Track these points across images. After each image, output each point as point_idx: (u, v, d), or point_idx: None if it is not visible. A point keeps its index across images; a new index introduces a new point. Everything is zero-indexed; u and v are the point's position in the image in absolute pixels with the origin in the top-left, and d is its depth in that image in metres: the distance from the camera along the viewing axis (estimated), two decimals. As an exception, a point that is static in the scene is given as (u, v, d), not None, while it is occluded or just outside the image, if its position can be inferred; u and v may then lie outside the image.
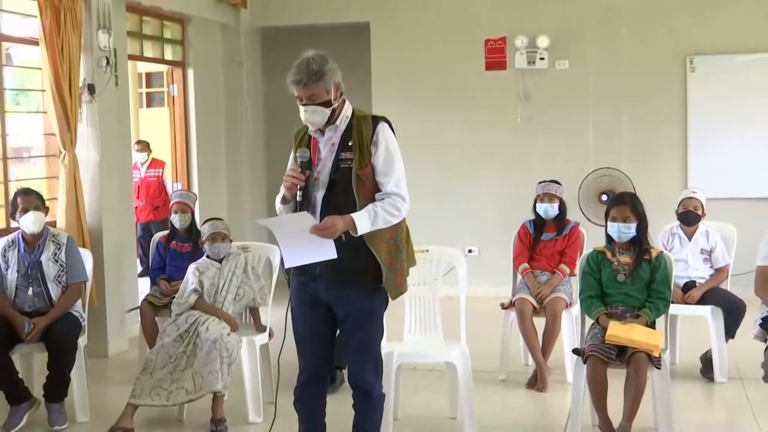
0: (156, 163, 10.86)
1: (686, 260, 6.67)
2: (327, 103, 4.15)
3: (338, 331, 4.41)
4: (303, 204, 4.16)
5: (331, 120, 4.22)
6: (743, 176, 9.05)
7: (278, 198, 4.32)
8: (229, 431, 5.63)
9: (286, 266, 4.18)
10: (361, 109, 4.34)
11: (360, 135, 4.21)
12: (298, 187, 4.14)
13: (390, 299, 4.41)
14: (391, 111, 9.75)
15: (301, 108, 4.17)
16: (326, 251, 4.09)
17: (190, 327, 5.72)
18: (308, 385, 4.39)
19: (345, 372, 5.38)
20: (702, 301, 6.55)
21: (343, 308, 4.26)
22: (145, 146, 10.84)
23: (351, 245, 4.11)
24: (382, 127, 4.26)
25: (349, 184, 4.16)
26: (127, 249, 8.17)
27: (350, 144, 4.20)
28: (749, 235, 6.29)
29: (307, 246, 4.08)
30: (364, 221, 4.10)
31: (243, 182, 10.27)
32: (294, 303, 4.30)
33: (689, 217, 6.74)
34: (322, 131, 4.25)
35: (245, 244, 6.31)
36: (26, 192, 5.98)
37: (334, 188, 4.18)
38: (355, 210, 4.12)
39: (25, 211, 5.83)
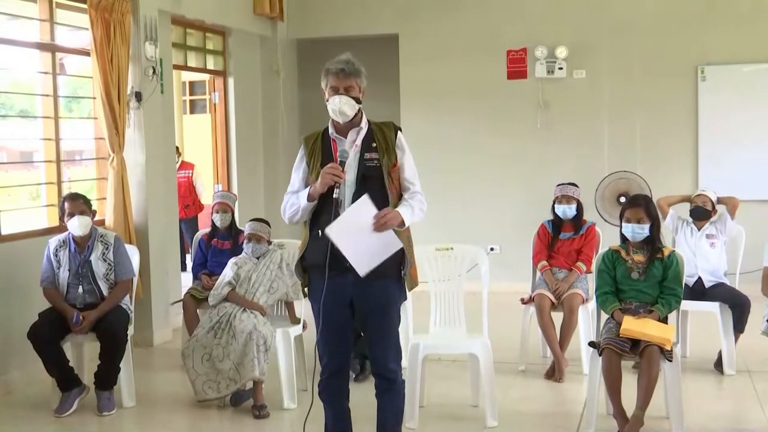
0: (185, 165, 10.87)
1: (693, 249, 6.62)
2: (357, 100, 4.17)
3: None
4: (337, 201, 4.07)
5: (355, 121, 4.21)
6: (752, 179, 8.96)
7: (300, 196, 4.19)
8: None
9: (361, 274, 4.01)
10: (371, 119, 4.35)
11: (384, 138, 4.23)
12: (337, 184, 4.06)
13: (408, 291, 4.39)
14: (418, 118, 9.92)
15: (335, 98, 4.12)
16: (391, 244, 4.03)
17: (221, 319, 5.75)
18: (333, 378, 4.33)
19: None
20: (710, 297, 6.49)
21: (368, 302, 4.19)
22: (174, 150, 10.83)
23: None
24: (400, 133, 4.30)
25: (382, 181, 4.17)
26: (171, 245, 8.19)
27: (374, 146, 4.20)
28: (757, 236, 6.23)
29: (372, 246, 3.99)
30: (408, 215, 4.15)
31: (279, 183, 10.25)
32: (325, 301, 4.15)
33: (698, 212, 6.71)
34: (344, 133, 4.23)
35: (281, 241, 6.31)
36: (73, 197, 5.93)
37: (366, 185, 4.15)
38: (386, 205, 4.11)
39: (72, 215, 5.80)
